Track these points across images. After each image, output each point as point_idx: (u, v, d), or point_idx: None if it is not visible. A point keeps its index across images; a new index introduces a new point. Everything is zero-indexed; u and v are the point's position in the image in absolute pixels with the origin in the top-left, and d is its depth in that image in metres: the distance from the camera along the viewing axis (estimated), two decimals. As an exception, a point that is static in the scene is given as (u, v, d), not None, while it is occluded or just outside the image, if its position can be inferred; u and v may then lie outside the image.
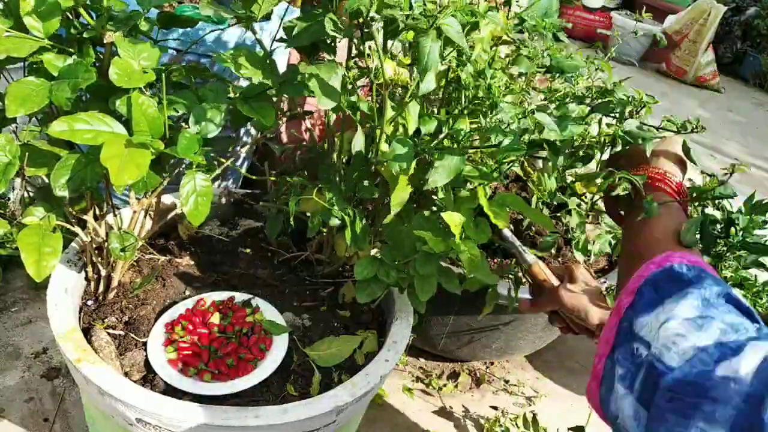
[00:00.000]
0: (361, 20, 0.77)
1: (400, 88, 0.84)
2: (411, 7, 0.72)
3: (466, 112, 0.82)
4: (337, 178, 0.99)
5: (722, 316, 0.46)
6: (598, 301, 0.84)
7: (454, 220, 0.79)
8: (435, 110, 0.94)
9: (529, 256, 0.94)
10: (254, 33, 0.93)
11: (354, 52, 0.89)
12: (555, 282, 0.91)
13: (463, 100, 0.81)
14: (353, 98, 0.85)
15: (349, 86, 0.86)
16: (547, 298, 0.90)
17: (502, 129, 0.75)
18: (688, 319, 0.46)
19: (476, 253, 0.82)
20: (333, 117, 0.92)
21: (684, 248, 0.59)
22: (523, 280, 1.03)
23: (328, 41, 0.89)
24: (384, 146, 0.86)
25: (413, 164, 0.79)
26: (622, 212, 0.83)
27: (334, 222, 0.90)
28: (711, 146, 3.57)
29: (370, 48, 0.84)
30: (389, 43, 0.82)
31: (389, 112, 0.82)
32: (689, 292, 0.49)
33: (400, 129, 0.87)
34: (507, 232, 0.97)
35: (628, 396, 0.47)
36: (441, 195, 0.84)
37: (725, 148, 3.63)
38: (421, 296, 0.87)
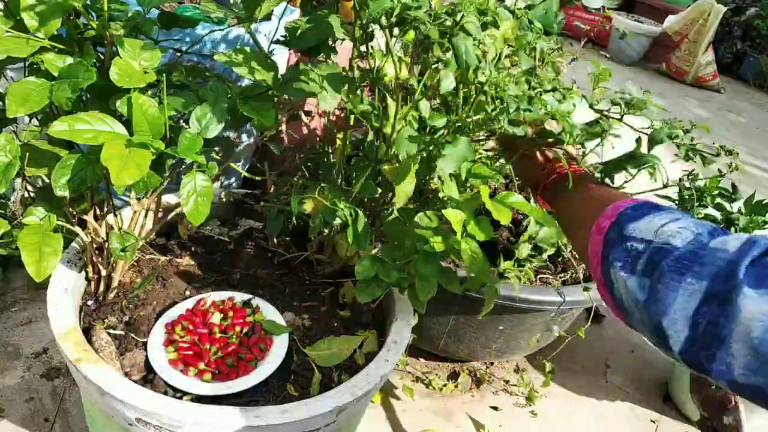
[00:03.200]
0: (365, 21, 0.77)
1: (402, 89, 0.84)
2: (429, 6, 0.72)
3: (470, 107, 0.82)
4: (339, 178, 1.00)
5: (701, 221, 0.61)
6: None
7: (455, 216, 0.79)
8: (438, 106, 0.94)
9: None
10: (252, 35, 0.93)
11: (356, 52, 0.89)
12: None
13: (469, 94, 0.82)
14: (359, 98, 0.85)
15: (354, 87, 0.86)
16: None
17: (509, 114, 0.75)
18: (678, 220, 0.61)
19: (478, 252, 0.81)
20: (338, 113, 0.92)
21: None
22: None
23: (330, 42, 0.89)
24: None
25: (417, 158, 0.79)
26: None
27: (337, 221, 0.90)
28: (711, 146, 3.57)
29: (373, 48, 0.84)
30: (392, 42, 0.82)
31: (395, 110, 0.82)
32: (663, 209, 0.64)
33: (407, 126, 0.87)
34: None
35: (630, 276, 0.60)
36: (446, 185, 0.84)
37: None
38: (421, 296, 0.87)
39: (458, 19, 0.70)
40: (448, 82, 0.75)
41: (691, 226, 0.59)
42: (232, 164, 1.07)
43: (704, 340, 0.52)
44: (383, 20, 0.73)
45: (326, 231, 1.07)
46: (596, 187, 0.82)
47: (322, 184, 0.93)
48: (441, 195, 0.90)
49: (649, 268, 0.58)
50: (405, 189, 0.83)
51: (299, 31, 0.82)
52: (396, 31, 0.78)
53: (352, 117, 0.92)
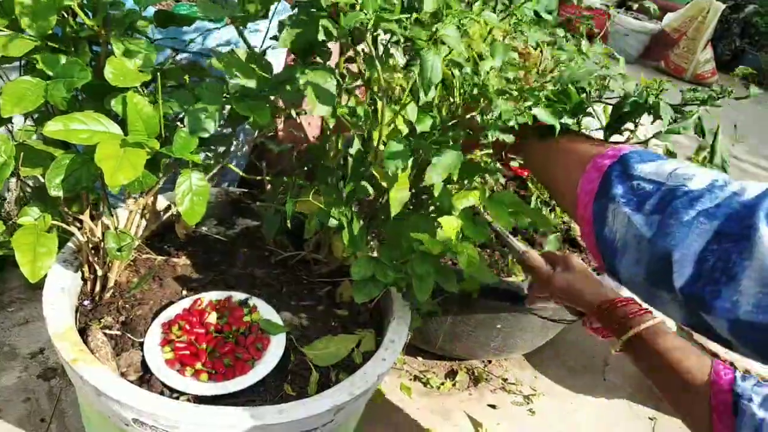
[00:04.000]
0: (340, 35, 0.76)
1: (395, 89, 0.83)
2: (404, 12, 0.71)
3: (459, 111, 0.81)
4: (334, 179, 0.99)
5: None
6: (594, 285, 0.90)
7: (450, 223, 0.78)
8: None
9: (520, 245, 0.98)
10: (242, 37, 0.92)
11: (347, 54, 0.89)
12: (546, 268, 0.94)
13: (457, 98, 0.81)
14: (351, 102, 0.84)
15: (345, 90, 0.85)
16: (541, 285, 0.95)
17: (497, 125, 0.74)
18: (689, 166, 0.60)
19: (474, 254, 0.81)
20: (332, 122, 0.91)
21: None
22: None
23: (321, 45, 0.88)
24: (381, 148, 0.85)
25: (410, 164, 0.78)
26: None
27: (332, 223, 0.89)
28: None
29: (363, 51, 0.83)
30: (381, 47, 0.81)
31: (387, 115, 0.81)
32: (668, 158, 0.64)
33: (396, 129, 0.86)
34: (495, 225, 1.00)
35: (636, 213, 0.60)
36: (437, 192, 0.83)
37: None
38: (418, 295, 0.87)
39: (434, 30, 0.68)
40: (428, 93, 0.73)
41: (706, 171, 0.59)
42: (229, 165, 1.06)
43: (711, 276, 0.52)
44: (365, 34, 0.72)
45: (323, 231, 1.07)
46: (578, 136, 0.81)
47: (317, 186, 0.92)
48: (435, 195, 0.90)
49: (660, 206, 0.58)
50: (398, 197, 0.82)
51: (285, 32, 0.81)
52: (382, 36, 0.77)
53: (333, 120, 0.91)
